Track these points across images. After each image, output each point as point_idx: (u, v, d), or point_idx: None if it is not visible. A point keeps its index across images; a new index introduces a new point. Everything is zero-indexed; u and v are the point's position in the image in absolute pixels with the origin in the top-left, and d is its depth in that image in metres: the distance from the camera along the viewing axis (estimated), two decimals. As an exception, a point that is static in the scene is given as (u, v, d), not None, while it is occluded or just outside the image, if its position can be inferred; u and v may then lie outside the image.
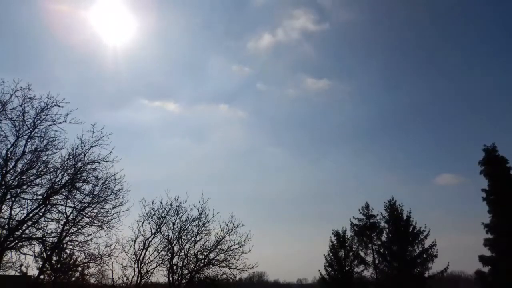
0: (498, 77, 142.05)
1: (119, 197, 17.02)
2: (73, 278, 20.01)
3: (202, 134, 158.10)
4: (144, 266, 18.88)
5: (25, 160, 15.52)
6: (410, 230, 34.61)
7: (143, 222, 19.19)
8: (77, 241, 16.51)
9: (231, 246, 19.65)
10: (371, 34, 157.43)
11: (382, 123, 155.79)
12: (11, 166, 15.15)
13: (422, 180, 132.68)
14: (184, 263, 19.70)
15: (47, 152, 15.88)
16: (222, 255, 19.69)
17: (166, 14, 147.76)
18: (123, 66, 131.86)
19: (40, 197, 15.55)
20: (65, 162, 16.04)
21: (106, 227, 16.67)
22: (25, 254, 15.99)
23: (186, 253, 19.71)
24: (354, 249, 36.19)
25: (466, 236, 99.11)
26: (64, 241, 16.44)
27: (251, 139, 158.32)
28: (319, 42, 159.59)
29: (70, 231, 16.28)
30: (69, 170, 16.13)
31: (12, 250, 15.49)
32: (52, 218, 15.93)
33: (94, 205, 16.59)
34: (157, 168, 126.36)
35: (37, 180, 15.62)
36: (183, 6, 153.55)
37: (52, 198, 15.72)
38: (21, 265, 18.22)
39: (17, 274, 18.35)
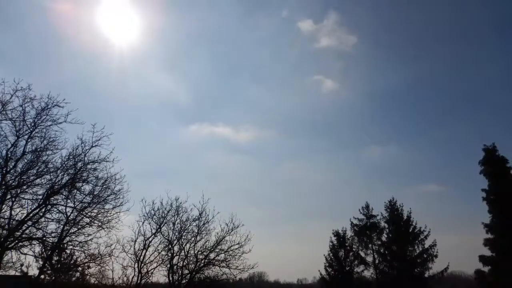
0: (498, 76, 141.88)
1: (119, 197, 17.03)
2: (74, 278, 20.06)
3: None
4: (144, 266, 18.93)
5: (25, 160, 15.52)
6: (410, 230, 34.70)
7: (143, 222, 19.29)
8: (77, 241, 16.50)
9: (231, 246, 19.75)
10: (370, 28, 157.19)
11: (382, 123, 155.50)
12: (11, 166, 15.14)
13: (422, 180, 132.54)
14: (184, 263, 19.76)
15: (47, 152, 15.89)
16: (222, 255, 19.78)
17: (171, 14, 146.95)
18: (128, 66, 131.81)
19: (40, 197, 15.55)
20: (65, 162, 16.04)
21: (106, 227, 16.68)
22: (26, 254, 15.99)
23: (186, 253, 19.77)
24: (354, 249, 36.31)
25: (466, 236, 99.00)
26: (65, 241, 16.45)
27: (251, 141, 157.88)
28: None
29: (70, 231, 16.28)
30: (69, 170, 16.13)
31: (12, 250, 15.49)
32: (52, 218, 15.94)
33: (94, 205, 16.59)
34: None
35: (37, 180, 15.62)
36: (189, 7, 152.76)
37: (52, 198, 15.72)
38: (21, 265, 18.25)
39: (17, 274, 18.39)
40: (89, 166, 16.46)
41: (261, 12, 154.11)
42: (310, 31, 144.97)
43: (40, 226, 15.74)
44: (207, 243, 19.97)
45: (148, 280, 19.02)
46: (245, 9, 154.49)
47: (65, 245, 16.83)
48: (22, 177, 15.30)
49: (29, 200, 15.48)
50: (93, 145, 16.34)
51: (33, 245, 15.95)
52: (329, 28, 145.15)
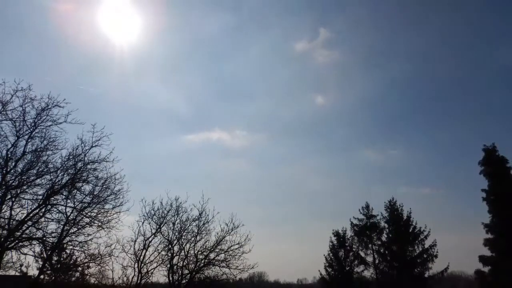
0: (498, 76, 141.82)
1: (119, 197, 17.07)
2: (73, 278, 20.10)
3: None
4: (144, 266, 18.94)
5: (26, 160, 15.56)
6: (410, 230, 34.70)
7: (143, 222, 19.30)
8: (77, 241, 16.54)
9: (231, 246, 19.75)
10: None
11: (382, 123, 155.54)
12: (11, 166, 15.16)
13: (422, 180, 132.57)
14: (184, 263, 19.76)
15: (48, 152, 15.93)
16: (222, 255, 19.78)
17: (172, 15, 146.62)
18: (128, 67, 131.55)
19: (40, 197, 15.58)
20: (65, 162, 16.07)
21: (106, 227, 16.70)
22: (25, 254, 16.07)
23: (186, 253, 19.77)
24: (354, 249, 36.30)
25: (466, 236, 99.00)
26: (64, 241, 16.48)
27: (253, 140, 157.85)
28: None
29: (70, 231, 16.30)
30: (69, 170, 16.16)
31: (12, 250, 15.53)
32: (52, 218, 15.97)
33: (94, 205, 16.62)
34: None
35: (38, 180, 15.65)
36: (189, 8, 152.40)
37: (52, 198, 15.75)
38: (21, 265, 18.32)
39: (17, 274, 18.42)
40: (89, 166, 16.52)
41: (257, 22, 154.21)
42: (304, 47, 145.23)
43: (40, 226, 15.79)
44: (207, 243, 20.01)
45: (148, 280, 19.03)
46: (242, 18, 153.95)
47: (65, 245, 16.87)
48: (22, 177, 15.33)
49: (29, 200, 15.54)
50: (93, 145, 16.40)
51: (33, 245, 16.03)
52: (320, 44, 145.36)
